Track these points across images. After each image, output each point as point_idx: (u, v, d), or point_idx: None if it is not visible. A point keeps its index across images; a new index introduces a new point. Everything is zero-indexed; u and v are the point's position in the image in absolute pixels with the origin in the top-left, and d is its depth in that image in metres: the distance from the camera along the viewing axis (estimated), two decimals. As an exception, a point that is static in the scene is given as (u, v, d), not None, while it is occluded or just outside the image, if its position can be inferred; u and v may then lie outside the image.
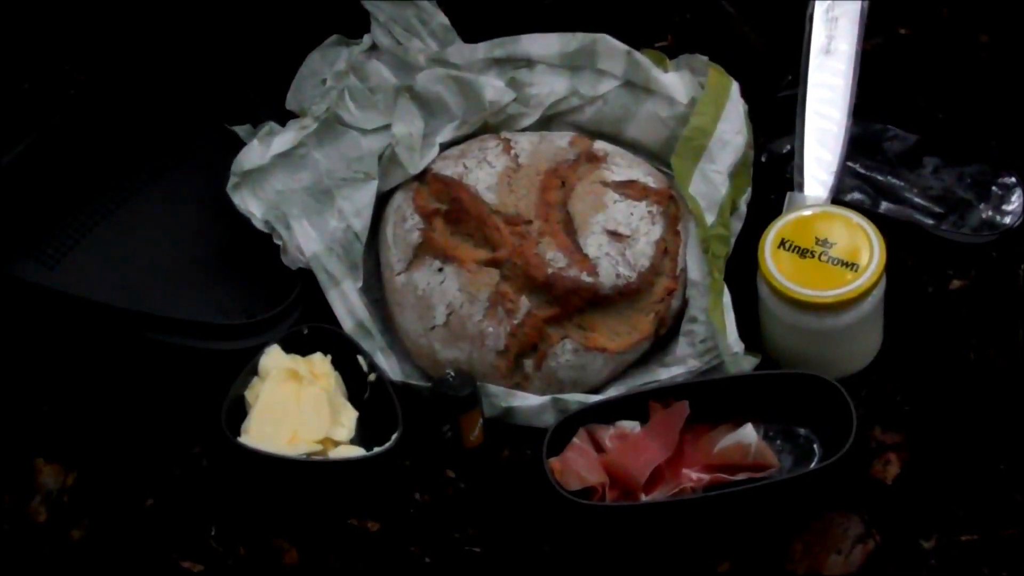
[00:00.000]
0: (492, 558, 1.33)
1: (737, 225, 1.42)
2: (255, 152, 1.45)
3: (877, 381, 1.38)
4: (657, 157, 1.45)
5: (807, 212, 1.37)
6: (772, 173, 1.46)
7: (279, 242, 1.45)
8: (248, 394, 1.37)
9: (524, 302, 1.37)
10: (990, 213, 1.44)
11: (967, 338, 1.40)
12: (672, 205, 1.41)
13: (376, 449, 1.35)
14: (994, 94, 1.52)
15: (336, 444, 1.36)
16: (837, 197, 1.43)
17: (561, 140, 1.43)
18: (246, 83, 1.56)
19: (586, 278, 1.36)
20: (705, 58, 1.46)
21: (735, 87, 1.45)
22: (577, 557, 1.33)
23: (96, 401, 1.42)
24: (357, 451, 1.36)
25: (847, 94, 1.46)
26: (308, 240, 1.44)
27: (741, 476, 1.33)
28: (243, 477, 1.36)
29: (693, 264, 1.40)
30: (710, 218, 1.40)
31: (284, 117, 1.51)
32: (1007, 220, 1.43)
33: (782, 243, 1.35)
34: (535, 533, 1.33)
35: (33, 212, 1.45)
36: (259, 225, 1.45)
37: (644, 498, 1.32)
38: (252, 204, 1.45)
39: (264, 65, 1.53)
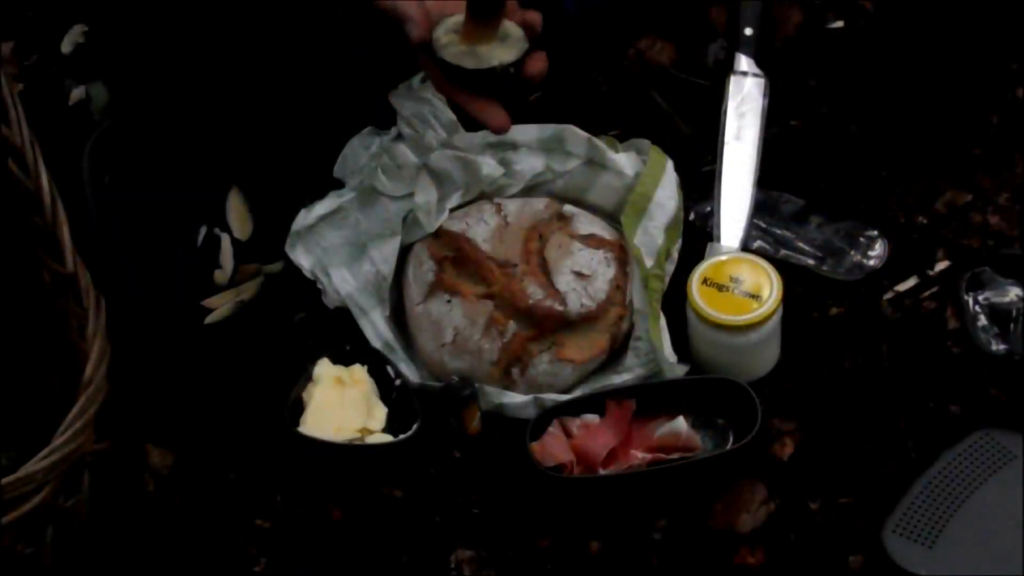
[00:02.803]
0: (488, 517, 1.40)
1: (670, 268, 1.48)
2: (302, 216, 1.50)
3: (776, 383, 1.44)
4: (611, 216, 1.50)
5: (723, 257, 1.43)
6: (697, 228, 1.52)
7: (320, 287, 1.50)
8: (304, 395, 1.43)
9: (512, 325, 1.43)
10: (859, 258, 1.49)
11: (843, 351, 1.46)
12: (622, 252, 1.46)
13: (401, 436, 1.41)
14: (862, 169, 1.54)
15: (371, 432, 1.42)
16: (746, 246, 1.50)
17: (539, 204, 1.48)
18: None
19: (558, 307, 1.42)
20: (647, 142, 1.51)
21: (670, 164, 1.50)
22: (552, 516, 1.39)
23: (190, 403, 1.46)
24: (387, 438, 1.42)
25: (753, 169, 1.53)
26: (344, 284, 1.49)
27: (675, 455, 1.39)
28: (302, 458, 1.42)
29: (637, 296, 1.45)
30: (649, 262, 1.45)
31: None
32: (872, 263, 1.49)
33: (705, 281, 1.40)
34: (521, 499, 1.40)
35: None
36: (307, 274, 1.49)
37: (602, 472, 1.38)
38: (302, 258, 1.50)
39: (317, 148, 1.53)
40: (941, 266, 1.50)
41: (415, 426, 1.42)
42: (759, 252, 1.48)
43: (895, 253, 1.50)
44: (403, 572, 1.38)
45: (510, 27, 1.35)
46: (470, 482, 1.42)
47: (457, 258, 1.46)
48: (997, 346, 1.45)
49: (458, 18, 1.35)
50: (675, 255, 1.49)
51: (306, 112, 1.53)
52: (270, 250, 1.53)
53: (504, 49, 1.35)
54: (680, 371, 1.44)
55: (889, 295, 1.49)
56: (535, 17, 1.35)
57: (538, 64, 1.35)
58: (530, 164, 1.50)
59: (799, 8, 1.62)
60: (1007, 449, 1.38)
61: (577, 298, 1.44)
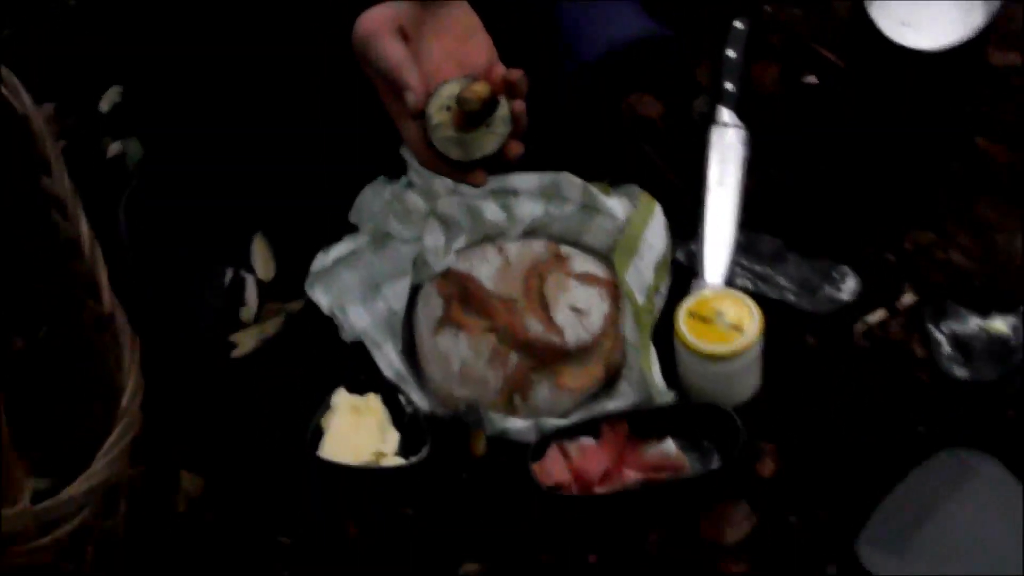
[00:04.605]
0: (493, 533, 1.42)
1: (659, 303, 1.49)
2: (320, 259, 1.53)
3: (758, 408, 1.45)
4: (604, 256, 1.51)
5: (708, 293, 1.44)
6: (683, 266, 1.52)
7: (337, 323, 1.51)
8: (324, 422, 1.45)
9: (513, 357, 1.45)
10: (832, 293, 1.50)
11: (819, 378, 1.46)
12: (615, 289, 1.48)
13: (412, 459, 1.44)
14: (835, 211, 1.54)
15: (385, 456, 1.44)
16: (729, 282, 1.50)
17: (538, 246, 1.50)
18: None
19: (556, 340, 1.45)
20: (637, 187, 1.54)
21: (658, 207, 1.52)
22: (552, 532, 1.41)
23: (219, 431, 1.48)
24: (399, 461, 1.44)
25: (734, 212, 1.54)
26: (359, 320, 1.50)
27: (664, 475, 1.41)
28: (322, 479, 1.43)
29: (629, 329, 1.47)
30: (640, 298, 1.46)
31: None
32: (844, 297, 1.50)
33: (691, 314, 1.42)
34: (523, 516, 1.42)
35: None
36: (325, 311, 1.51)
37: (597, 490, 1.41)
38: (321, 297, 1.52)
39: (334, 197, 1.53)
40: (908, 299, 1.50)
41: (425, 450, 1.44)
42: (741, 288, 1.49)
43: (866, 288, 1.50)
44: (415, 583, 1.40)
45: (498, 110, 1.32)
46: (476, 501, 1.43)
47: (463, 296, 1.47)
48: (960, 372, 1.46)
49: (452, 88, 1.30)
50: (664, 291, 1.51)
51: (325, 164, 1.53)
52: (291, 290, 1.56)
53: (489, 137, 1.31)
54: (669, 397, 1.44)
55: (860, 326, 1.49)
56: (517, 75, 1.32)
57: (516, 149, 1.33)
58: (530, 209, 1.52)
59: (776, 65, 1.63)
60: (970, 466, 1.39)
61: (574, 331, 1.45)
